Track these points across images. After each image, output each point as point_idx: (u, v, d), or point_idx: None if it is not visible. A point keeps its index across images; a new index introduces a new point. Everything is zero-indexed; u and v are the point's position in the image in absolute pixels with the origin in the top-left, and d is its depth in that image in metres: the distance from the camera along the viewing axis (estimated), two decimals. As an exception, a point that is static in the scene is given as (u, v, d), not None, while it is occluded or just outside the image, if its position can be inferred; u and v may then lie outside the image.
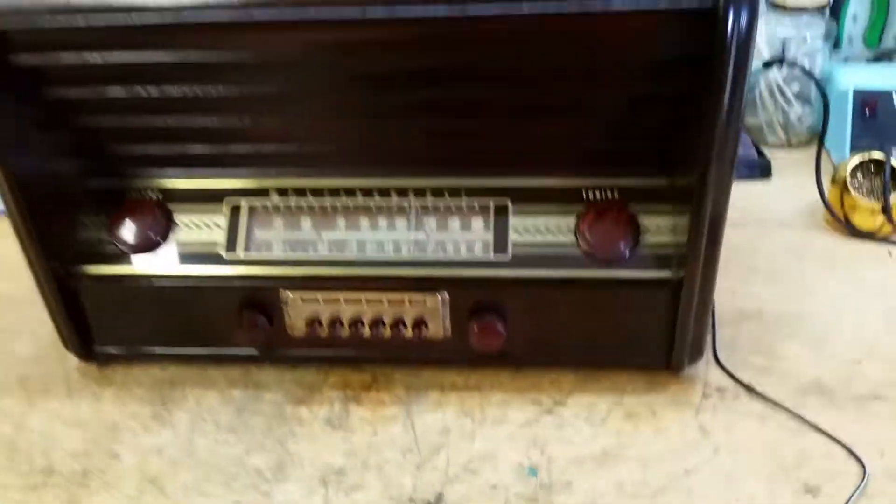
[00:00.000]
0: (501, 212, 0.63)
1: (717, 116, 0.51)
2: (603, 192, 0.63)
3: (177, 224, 0.65)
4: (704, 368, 0.66)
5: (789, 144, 1.02)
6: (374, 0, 0.51)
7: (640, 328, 0.63)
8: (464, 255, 0.63)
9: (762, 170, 0.95)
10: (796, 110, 1.00)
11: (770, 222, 0.87)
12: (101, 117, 0.62)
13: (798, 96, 0.99)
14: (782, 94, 0.98)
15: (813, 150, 0.99)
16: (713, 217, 0.56)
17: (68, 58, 0.57)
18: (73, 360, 0.71)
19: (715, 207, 0.55)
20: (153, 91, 0.59)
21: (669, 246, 0.61)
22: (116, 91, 0.59)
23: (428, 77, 0.57)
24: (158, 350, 0.69)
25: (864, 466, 0.57)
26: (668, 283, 0.60)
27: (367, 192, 0.65)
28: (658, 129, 0.60)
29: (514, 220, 0.63)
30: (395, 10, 0.51)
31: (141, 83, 0.59)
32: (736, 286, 0.76)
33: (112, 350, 0.69)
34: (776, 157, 0.99)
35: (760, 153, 0.98)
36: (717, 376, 0.66)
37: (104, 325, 0.68)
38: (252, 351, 0.67)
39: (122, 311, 0.67)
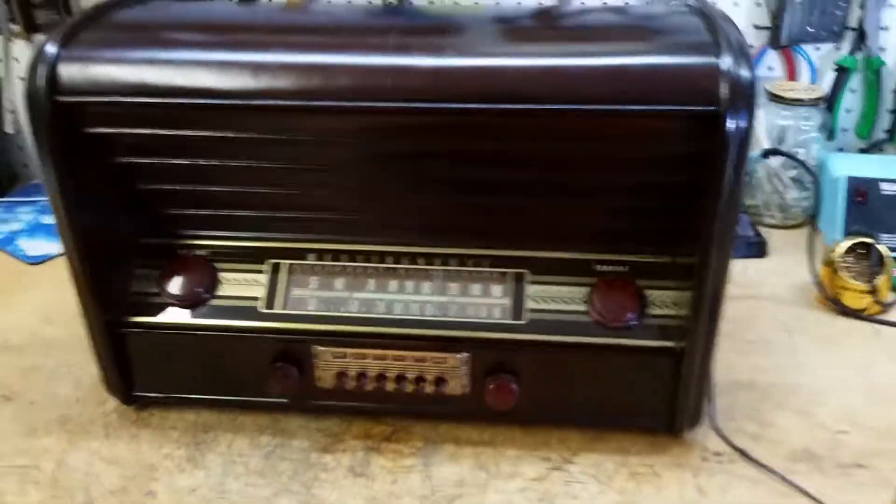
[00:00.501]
0: (519, 280, 0.69)
1: (717, 204, 0.58)
2: (612, 267, 0.69)
3: (221, 280, 0.71)
4: (703, 433, 0.71)
5: (785, 225, 1.09)
6: (414, 96, 0.58)
7: (645, 393, 0.68)
8: (483, 318, 0.68)
9: (759, 248, 1.02)
10: (792, 194, 1.07)
11: (765, 298, 0.93)
12: (159, 182, 0.68)
13: (794, 180, 1.06)
14: (779, 178, 1.05)
15: (805, 231, 1.06)
16: (713, 293, 0.62)
17: (135, 130, 0.63)
18: (111, 403, 0.76)
19: (715, 284, 0.61)
20: (209, 162, 0.65)
21: (673, 318, 0.67)
22: (176, 160, 0.65)
23: (458, 158, 0.64)
24: (194, 396, 0.74)
25: (847, 530, 0.61)
26: (671, 352, 0.66)
27: (397, 257, 0.71)
28: (663, 212, 0.66)
29: (530, 289, 0.69)
30: (433, 103, 0.58)
31: (199, 155, 0.65)
32: (733, 357, 0.81)
33: (151, 395, 0.74)
34: (772, 236, 1.05)
35: (757, 233, 1.04)
36: (714, 441, 0.70)
37: (146, 371, 0.73)
38: (281, 399, 0.72)
39: (164, 358, 0.72)
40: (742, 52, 0.57)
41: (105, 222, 0.69)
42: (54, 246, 1.06)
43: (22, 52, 1.17)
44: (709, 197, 0.58)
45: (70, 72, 0.61)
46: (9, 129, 1.07)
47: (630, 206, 0.66)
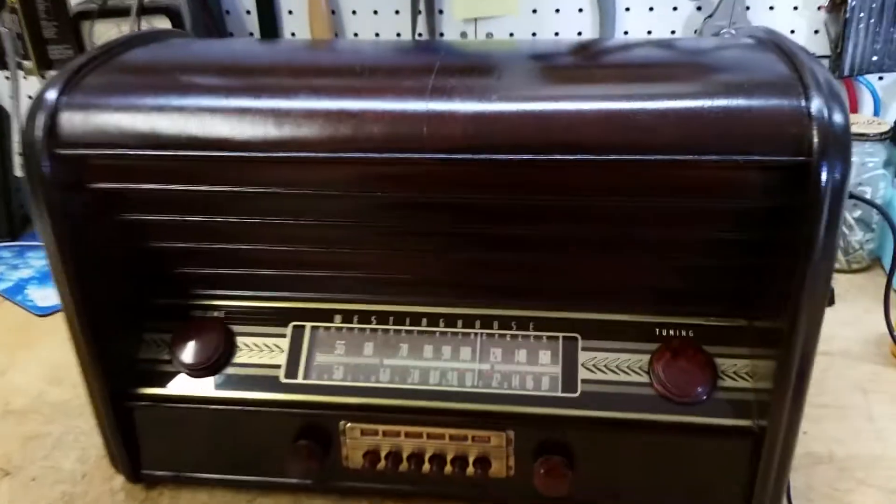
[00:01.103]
0: (571, 346, 0.61)
1: (809, 264, 0.50)
2: (678, 331, 0.61)
3: (238, 346, 0.64)
4: (780, 519, 0.63)
5: (849, 269, 1.00)
6: (455, 146, 0.51)
7: (716, 477, 0.60)
8: (530, 389, 0.61)
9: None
10: (857, 236, 0.98)
11: (836, 354, 0.84)
12: (170, 240, 0.62)
13: (858, 221, 0.98)
14: (843, 220, 0.97)
15: (871, 275, 0.98)
16: (802, 362, 0.54)
17: (143, 185, 0.57)
18: (119, 480, 0.69)
19: (804, 353, 0.53)
20: (225, 219, 0.59)
21: (749, 391, 0.59)
22: (188, 217, 0.59)
23: (502, 212, 0.57)
24: (207, 475, 0.67)
25: None
26: (749, 431, 0.58)
27: (432, 319, 0.63)
28: (738, 270, 0.58)
29: (583, 356, 0.61)
30: (476, 154, 0.51)
31: (214, 212, 0.58)
32: (805, 425, 0.72)
33: (161, 473, 0.67)
34: (838, 282, 0.97)
35: (823, 280, 0.96)
36: (793, 528, 0.62)
37: (155, 447, 0.66)
38: (304, 480, 0.65)
39: (175, 433, 0.65)
40: (833, 93, 0.49)
41: (110, 283, 0.62)
42: (65, 296, 1.00)
43: (35, 89, 1.12)
44: (799, 256, 0.50)
45: (72, 121, 0.55)
46: (18, 172, 1.02)
47: (697, 263, 0.59)
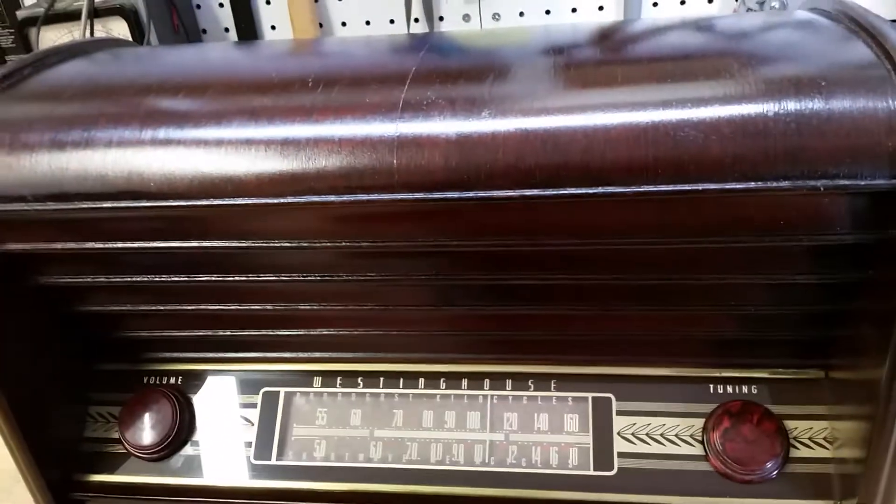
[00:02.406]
0: (603, 409, 0.50)
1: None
2: (737, 388, 0.48)
3: (198, 420, 0.53)
4: None
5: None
6: (432, 184, 0.38)
7: (793, 575, 0.48)
8: (554, 467, 0.49)
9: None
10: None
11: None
12: (103, 304, 0.51)
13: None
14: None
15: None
16: (903, 424, 0.41)
17: (52, 245, 0.46)
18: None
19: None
20: (168, 277, 0.47)
21: (828, 462, 0.46)
22: (117, 278, 0.47)
23: (509, 257, 0.44)
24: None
25: None
26: (831, 516, 0.45)
27: (432, 379, 0.52)
28: (814, 316, 0.46)
29: (619, 422, 0.49)
30: (456, 192, 0.38)
31: (147, 271, 0.47)
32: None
33: (120, 572, 0.57)
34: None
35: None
36: None
37: (111, 543, 0.56)
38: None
39: (132, 527, 0.54)
40: (944, 86, 0.36)
41: (39, 353, 0.51)
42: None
43: None
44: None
45: (-44, 168, 0.44)
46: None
47: (764, 313, 0.46)
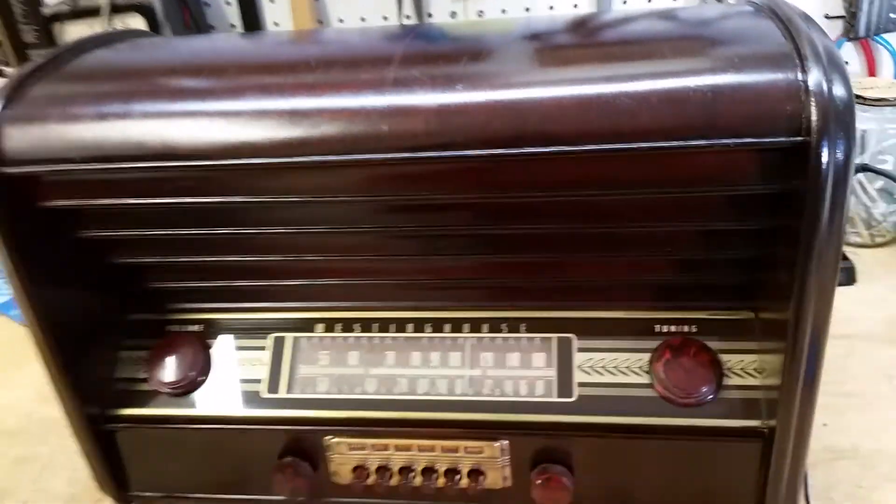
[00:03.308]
0: (565, 347, 0.57)
1: (813, 250, 0.45)
2: (678, 327, 0.57)
3: (217, 360, 0.61)
4: (798, 521, 0.59)
5: (873, 244, 0.95)
6: (418, 144, 0.46)
7: (726, 482, 0.56)
8: (524, 395, 0.57)
9: (846, 275, 0.88)
10: (880, 208, 0.93)
11: (859, 337, 0.79)
12: (136, 255, 0.59)
13: (881, 192, 0.92)
14: (864, 190, 0.91)
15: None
16: (811, 356, 0.49)
17: (97, 201, 0.54)
18: (108, 502, 0.67)
19: (813, 346, 0.49)
20: (190, 231, 0.55)
21: (757, 389, 0.54)
22: (151, 231, 0.56)
23: (482, 210, 0.53)
24: (195, 495, 0.64)
25: None
26: (758, 432, 0.53)
27: (419, 325, 0.60)
28: (740, 261, 0.54)
29: (579, 357, 0.57)
30: (440, 151, 0.47)
31: (177, 224, 0.55)
32: (826, 416, 0.69)
33: (147, 494, 0.65)
34: (859, 258, 0.92)
35: (844, 256, 0.90)
36: (813, 531, 0.58)
37: (140, 469, 0.64)
38: (292, 498, 0.62)
39: (159, 454, 0.62)
40: (834, 63, 0.44)
41: (78, 302, 0.59)
42: (59, 308, 0.98)
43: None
44: (801, 243, 0.45)
45: (16, 137, 0.52)
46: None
47: (697, 255, 0.54)
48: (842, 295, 0.86)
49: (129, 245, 0.58)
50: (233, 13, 1.00)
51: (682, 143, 0.45)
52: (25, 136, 0.52)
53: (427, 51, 0.52)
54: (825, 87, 0.43)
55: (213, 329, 0.62)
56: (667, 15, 0.58)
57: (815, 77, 0.43)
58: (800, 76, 0.44)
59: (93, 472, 0.64)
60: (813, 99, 0.43)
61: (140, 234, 0.56)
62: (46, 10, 0.92)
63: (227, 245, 0.57)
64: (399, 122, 0.47)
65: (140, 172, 0.51)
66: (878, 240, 0.95)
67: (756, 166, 0.46)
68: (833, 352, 0.76)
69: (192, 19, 0.95)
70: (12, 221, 0.52)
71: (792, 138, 0.44)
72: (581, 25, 0.59)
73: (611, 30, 0.56)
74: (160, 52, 0.60)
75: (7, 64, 1.05)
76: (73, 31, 0.90)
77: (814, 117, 0.43)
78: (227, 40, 0.65)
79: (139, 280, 0.61)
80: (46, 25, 0.92)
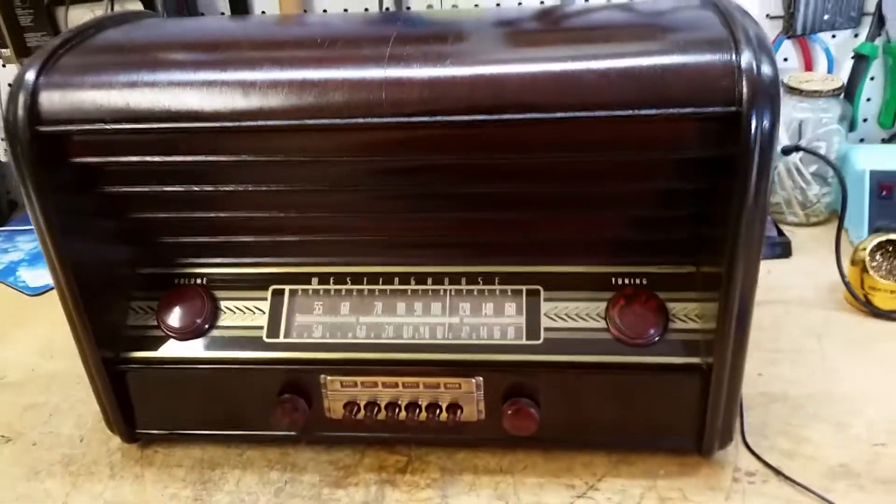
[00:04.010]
0: (533, 297, 0.65)
1: (743, 210, 0.54)
2: (631, 280, 0.65)
3: (221, 310, 0.68)
4: (734, 452, 0.67)
5: (808, 223, 1.04)
6: (412, 110, 0.54)
7: (671, 412, 0.64)
8: (497, 339, 0.65)
9: (783, 249, 0.97)
10: (814, 190, 1.02)
11: (792, 302, 0.89)
12: (151, 211, 0.65)
13: (815, 175, 1.02)
14: (800, 174, 1.01)
15: (828, 228, 1.03)
16: (741, 304, 0.58)
17: (122, 158, 0.60)
18: (115, 442, 0.73)
19: (743, 295, 0.57)
20: (202, 188, 0.62)
21: (698, 332, 0.63)
22: (167, 188, 0.62)
23: (462, 172, 0.60)
24: (199, 432, 0.71)
25: (895, 551, 0.57)
26: (698, 368, 0.62)
27: (404, 278, 0.67)
28: (683, 220, 0.62)
29: (545, 306, 0.65)
30: (432, 117, 0.54)
31: (191, 181, 0.62)
32: (761, 367, 0.78)
33: (154, 432, 0.71)
34: (795, 235, 1.01)
35: (780, 232, 1.00)
36: (746, 460, 0.67)
37: (148, 408, 0.70)
38: (289, 432, 0.69)
39: (166, 393, 0.69)
40: (762, 47, 0.53)
41: (97, 254, 0.66)
42: (54, 275, 1.04)
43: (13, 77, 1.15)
44: (733, 203, 0.54)
45: (51, 100, 0.58)
46: (3, 157, 1.05)
47: (647, 215, 0.63)
48: (780, 267, 0.96)
49: (143, 201, 0.65)
50: (222, 1, 1.06)
51: (636, 112, 0.53)
52: (59, 100, 0.58)
53: (417, 32, 0.59)
54: (755, 67, 0.52)
55: (216, 282, 0.69)
56: (625, 7, 0.66)
57: (746, 58, 0.52)
58: (734, 57, 0.53)
59: (103, 413, 0.71)
60: (744, 76, 0.52)
61: (154, 189, 0.63)
62: (49, -6, 0.97)
63: (231, 202, 0.64)
64: (396, 92, 0.54)
65: (164, 133, 0.57)
66: (813, 219, 1.05)
67: (697, 133, 0.55)
68: (771, 313, 0.86)
69: (185, 4, 1.01)
70: (45, 176, 0.59)
71: (726, 108, 0.52)
72: (549, 14, 0.67)
73: (576, 18, 0.65)
74: (174, 29, 0.67)
75: (3, 46, 1.10)
76: (75, 15, 0.95)
77: (745, 91, 0.52)
78: (232, 21, 0.72)
79: (149, 236, 0.68)
80: (48, 9, 0.97)
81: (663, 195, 0.61)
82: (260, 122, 0.55)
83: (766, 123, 0.52)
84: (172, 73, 0.58)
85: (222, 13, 1.08)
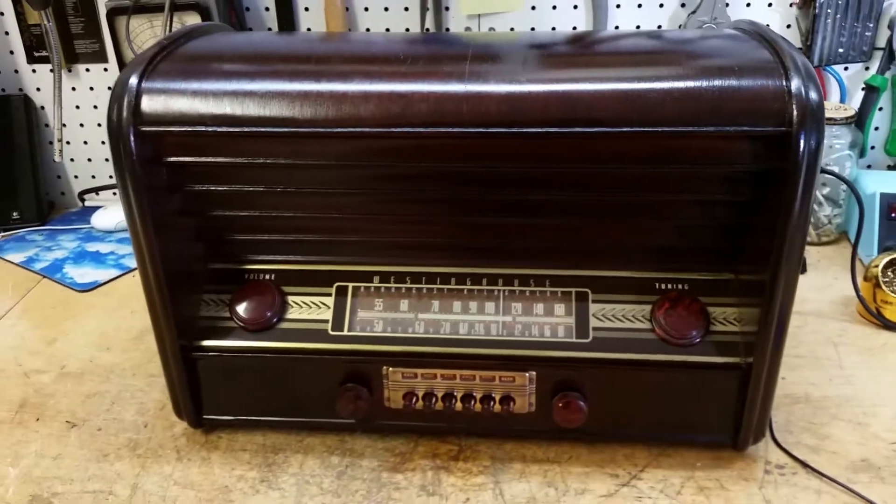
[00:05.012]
0: (582, 299, 0.71)
1: (789, 222, 0.59)
2: (674, 285, 0.70)
3: (289, 304, 0.73)
4: (764, 447, 0.73)
5: (819, 242, 1.10)
6: (491, 122, 0.60)
7: (709, 409, 0.69)
8: (548, 337, 0.70)
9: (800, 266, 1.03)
10: (826, 211, 1.09)
11: (809, 314, 0.95)
12: (229, 209, 0.70)
13: (827, 198, 1.08)
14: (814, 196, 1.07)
15: (838, 247, 1.09)
16: (782, 310, 0.63)
17: (212, 158, 0.65)
18: (179, 428, 0.77)
19: (784, 300, 0.63)
20: (280, 188, 0.67)
21: (737, 334, 0.68)
22: (247, 187, 0.67)
23: (524, 181, 0.66)
24: (262, 418, 0.75)
25: (916, 538, 0.63)
26: (737, 368, 0.67)
27: (460, 279, 0.72)
28: (726, 230, 0.68)
29: (593, 307, 0.70)
30: (511, 128, 0.60)
31: (270, 182, 0.67)
32: (784, 372, 0.83)
33: (219, 417, 0.75)
34: (808, 254, 1.07)
35: (796, 250, 1.06)
36: (776, 454, 0.72)
37: (214, 394, 0.74)
38: (348, 420, 0.73)
39: (233, 381, 0.73)
40: (809, 75, 0.59)
41: (179, 249, 0.70)
42: (101, 273, 1.08)
43: (64, 81, 1.19)
44: (780, 215, 0.60)
45: (152, 103, 0.63)
46: (58, 157, 1.09)
47: (692, 224, 0.68)
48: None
49: (221, 201, 0.70)
50: (270, 18, 1.12)
51: (695, 128, 0.59)
52: (160, 103, 0.63)
53: (491, 53, 0.65)
54: (803, 92, 0.58)
55: (284, 278, 0.74)
56: (670, 34, 0.72)
57: (795, 83, 0.58)
58: (784, 83, 0.58)
59: (172, 399, 0.75)
60: (794, 100, 0.58)
61: (235, 189, 0.68)
62: (108, 4, 1.02)
63: (301, 203, 0.69)
64: (476, 105, 0.60)
65: (261, 137, 0.62)
66: (824, 238, 1.11)
67: (748, 150, 0.61)
68: (790, 324, 0.91)
69: (238, 19, 1.07)
70: (143, 175, 0.64)
71: (777, 128, 0.58)
72: (603, 39, 0.73)
73: (630, 42, 0.70)
74: (260, 42, 0.72)
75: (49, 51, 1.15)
76: (134, 26, 1.00)
77: (794, 113, 0.57)
78: (308, 36, 0.77)
79: (224, 233, 0.73)
80: (109, 18, 1.02)
81: (708, 206, 0.66)
82: (351, 129, 0.60)
83: (812, 143, 0.57)
84: (268, 82, 0.63)
85: (269, 29, 1.13)
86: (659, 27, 1.11)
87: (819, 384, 0.82)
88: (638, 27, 1.11)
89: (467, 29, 1.11)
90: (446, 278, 0.73)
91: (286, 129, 0.61)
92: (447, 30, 1.11)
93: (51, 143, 1.23)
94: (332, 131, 0.61)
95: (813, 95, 0.58)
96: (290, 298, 0.73)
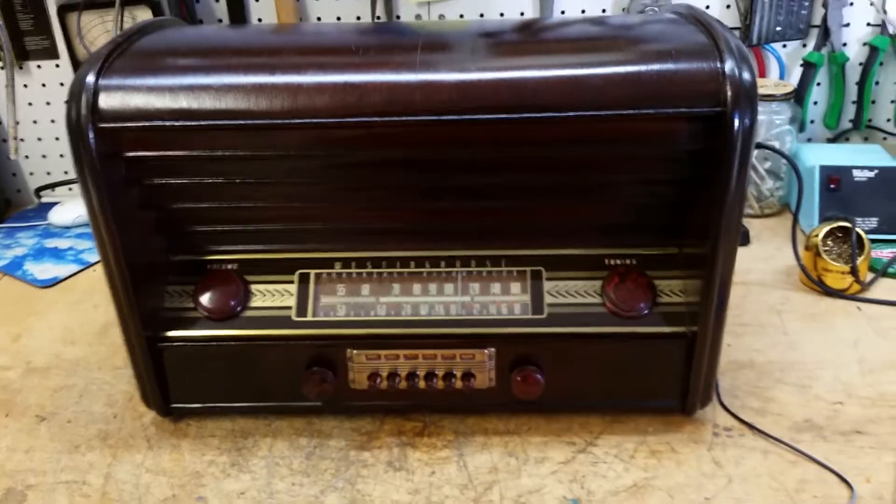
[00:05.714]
0: (537, 277, 0.74)
1: (725, 197, 0.63)
2: (622, 260, 0.74)
3: (252, 292, 0.74)
4: (712, 411, 0.77)
5: (762, 214, 1.15)
6: (443, 110, 0.62)
7: (658, 377, 0.73)
8: (505, 314, 0.73)
9: (742, 237, 1.08)
10: (768, 184, 1.13)
11: (753, 283, 0.99)
12: (190, 201, 0.72)
13: (769, 172, 1.13)
14: (756, 170, 1.12)
15: (781, 219, 1.14)
16: (722, 280, 0.67)
17: (170, 152, 0.67)
18: (148, 417, 0.79)
19: (724, 271, 0.66)
20: (239, 180, 0.69)
21: (682, 305, 0.72)
22: (206, 179, 0.69)
23: (476, 165, 0.68)
24: (229, 404, 0.77)
25: (853, 490, 0.67)
26: (682, 337, 0.71)
27: (419, 262, 0.75)
28: (669, 207, 0.71)
29: (547, 284, 0.73)
30: (462, 116, 0.62)
31: (229, 174, 0.68)
32: (729, 339, 0.87)
33: (187, 405, 0.77)
34: (752, 225, 1.12)
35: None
36: (723, 418, 0.76)
37: (182, 383, 0.76)
38: (315, 403, 0.76)
39: (200, 370, 0.75)
40: (742, 57, 0.62)
41: (141, 242, 0.72)
42: (62, 269, 1.08)
43: (16, 79, 1.19)
44: (717, 191, 0.63)
45: (109, 100, 0.64)
46: (13, 155, 1.09)
47: (637, 202, 0.71)
48: (739, 253, 1.06)
49: (181, 193, 0.71)
50: (220, 9, 1.12)
51: (635, 111, 0.62)
52: (117, 100, 0.64)
53: (441, 42, 0.67)
54: (737, 73, 0.61)
55: (247, 267, 0.76)
56: (613, 20, 0.75)
57: (729, 65, 0.61)
58: (718, 65, 0.62)
59: (140, 389, 0.76)
60: (728, 81, 0.61)
61: (194, 181, 0.69)
62: (59, 0, 1.02)
63: (261, 193, 0.70)
64: (428, 93, 0.62)
65: (217, 130, 0.64)
66: (767, 211, 1.15)
67: (687, 130, 0.64)
68: (734, 293, 0.96)
69: (188, 12, 1.07)
70: (102, 170, 0.65)
71: (713, 108, 0.61)
72: (549, 26, 0.76)
73: (574, 28, 0.73)
74: (214, 36, 0.73)
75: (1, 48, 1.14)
76: (85, 21, 1.00)
77: (728, 94, 0.61)
78: (261, 28, 0.79)
79: (185, 225, 0.74)
80: (60, 15, 1.02)
81: (651, 185, 0.69)
82: (307, 121, 0.62)
83: (746, 122, 0.61)
84: (223, 76, 0.64)
85: (219, 20, 1.14)
86: (603, 11, 1.14)
87: (763, 350, 0.86)
88: (583, 11, 1.13)
89: (417, 17, 1.12)
90: (406, 262, 0.75)
91: (243, 122, 0.63)
92: (398, 17, 1.13)
93: (5, 141, 1.22)
94: (288, 123, 0.63)
95: (746, 76, 0.61)
96: (254, 287, 0.75)
